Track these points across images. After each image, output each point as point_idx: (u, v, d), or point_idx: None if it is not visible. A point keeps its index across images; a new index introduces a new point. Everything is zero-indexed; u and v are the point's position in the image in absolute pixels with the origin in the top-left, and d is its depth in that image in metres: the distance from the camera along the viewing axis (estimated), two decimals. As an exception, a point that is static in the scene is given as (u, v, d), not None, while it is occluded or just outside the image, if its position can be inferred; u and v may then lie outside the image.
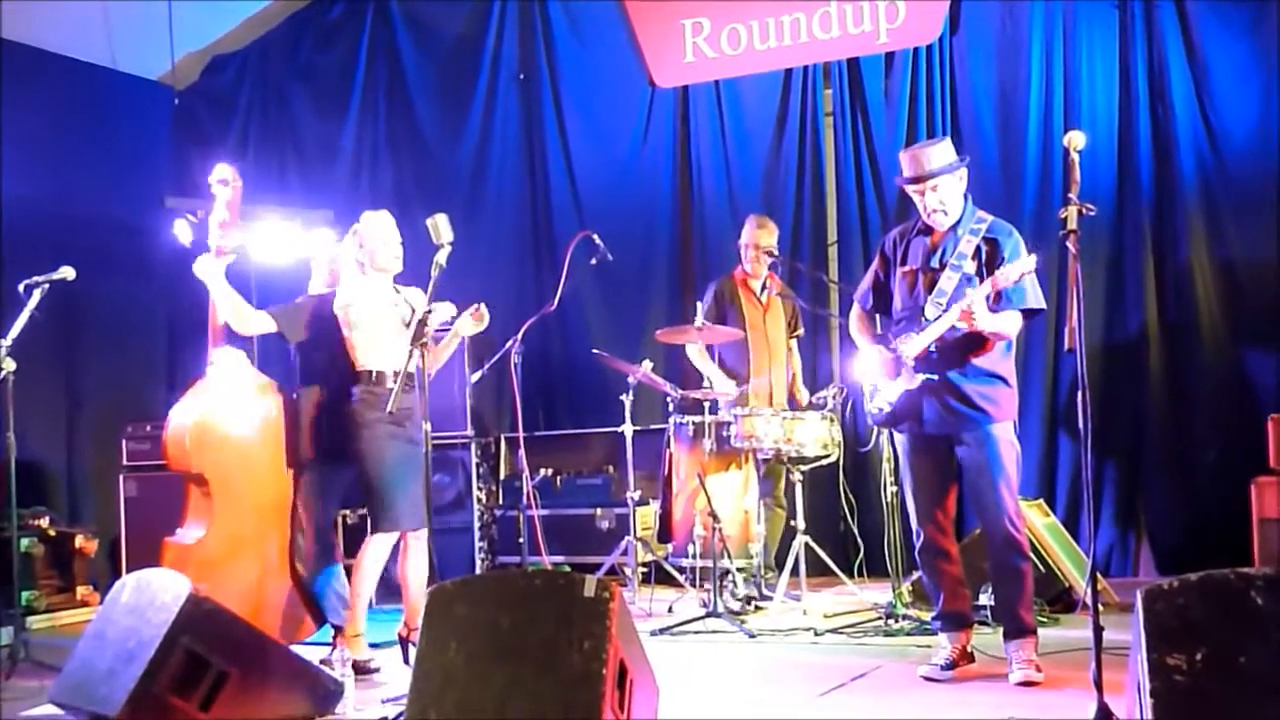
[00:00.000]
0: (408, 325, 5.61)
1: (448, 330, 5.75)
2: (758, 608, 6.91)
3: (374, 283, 5.74)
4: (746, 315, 7.39)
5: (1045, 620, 5.95)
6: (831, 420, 7.00)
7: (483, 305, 5.65)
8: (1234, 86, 7.55)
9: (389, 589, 6.10)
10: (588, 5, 9.48)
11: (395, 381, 5.46)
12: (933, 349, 4.98)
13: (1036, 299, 5.01)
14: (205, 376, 5.82)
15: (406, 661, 5.61)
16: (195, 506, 5.72)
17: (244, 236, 6.08)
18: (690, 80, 9.12)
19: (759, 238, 7.35)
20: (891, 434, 5.58)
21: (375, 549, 5.58)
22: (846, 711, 4.64)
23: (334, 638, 5.72)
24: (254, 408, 5.80)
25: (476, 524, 8.14)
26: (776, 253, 7.38)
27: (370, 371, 5.62)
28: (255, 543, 5.71)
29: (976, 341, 4.96)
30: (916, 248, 5.19)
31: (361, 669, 5.45)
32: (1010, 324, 4.96)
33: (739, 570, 7.00)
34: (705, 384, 7.38)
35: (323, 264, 6.19)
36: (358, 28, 10.17)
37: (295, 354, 5.99)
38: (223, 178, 5.80)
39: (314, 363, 5.89)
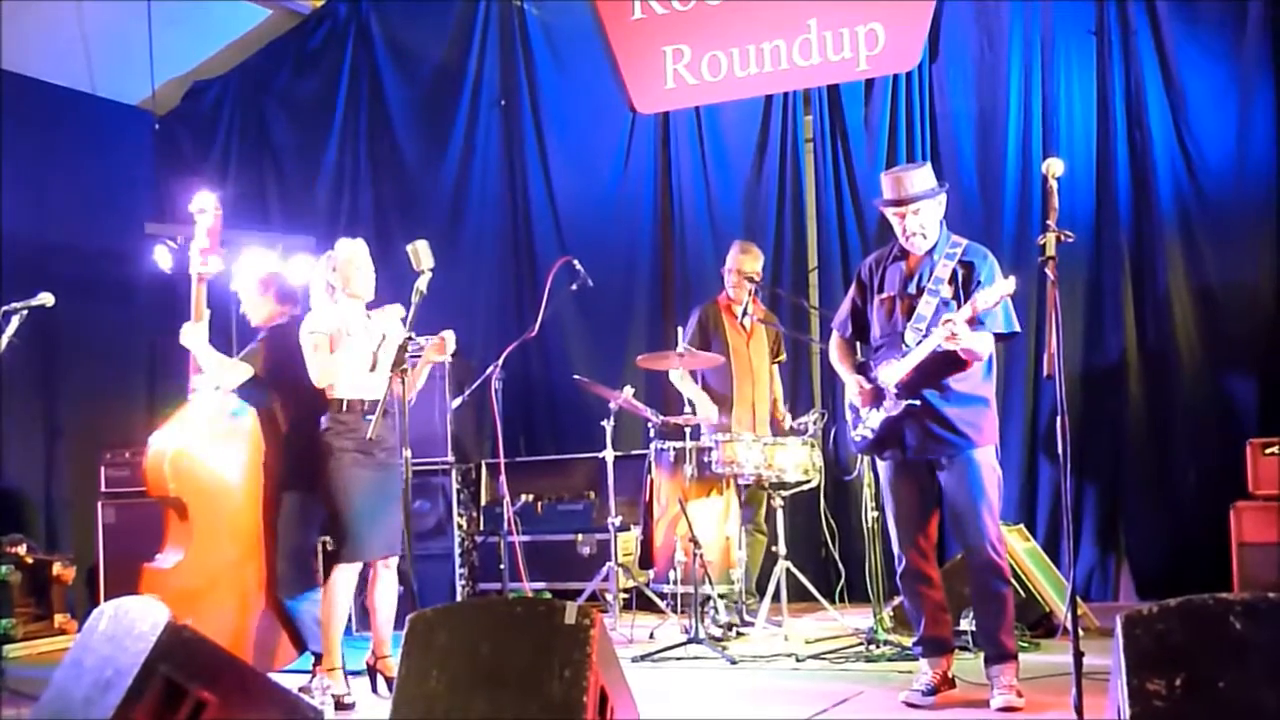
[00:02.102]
0: (376, 353, 5.60)
1: (419, 356, 5.76)
2: (739, 634, 6.90)
3: (345, 309, 5.68)
4: (730, 342, 7.39)
5: (1026, 645, 5.94)
6: (812, 445, 7.01)
7: (448, 335, 5.61)
8: (1211, 113, 7.60)
9: (367, 615, 6.07)
10: (569, 32, 9.51)
11: (365, 409, 5.50)
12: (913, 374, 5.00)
13: (1009, 324, 5.03)
14: (187, 403, 5.82)
15: (374, 690, 5.59)
16: (174, 532, 5.70)
17: (223, 263, 6.09)
18: (671, 106, 9.15)
19: (743, 264, 7.35)
20: (873, 459, 5.59)
21: (341, 580, 5.52)
22: (828, 738, 4.64)
23: (313, 665, 5.69)
24: (234, 434, 5.79)
25: (457, 550, 8.12)
26: (760, 278, 7.39)
27: (339, 400, 5.58)
28: (233, 569, 5.69)
29: (956, 364, 4.97)
30: (893, 274, 5.21)
31: (338, 704, 5.41)
32: (985, 344, 4.98)
33: (720, 596, 6.99)
34: (687, 408, 7.38)
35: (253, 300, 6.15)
36: (339, 53, 10.18)
37: (267, 384, 5.98)
38: (202, 205, 5.84)
39: (280, 392, 5.88)
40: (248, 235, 8.26)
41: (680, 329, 7.36)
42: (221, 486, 5.70)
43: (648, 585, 7.47)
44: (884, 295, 5.21)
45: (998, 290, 4.81)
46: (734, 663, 6.12)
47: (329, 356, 5.54)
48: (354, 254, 5.74)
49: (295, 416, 5.77)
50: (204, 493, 5.65)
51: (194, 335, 5.72)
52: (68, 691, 4.04)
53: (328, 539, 5.88)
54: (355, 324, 5.66)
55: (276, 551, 5.79)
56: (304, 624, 5.76)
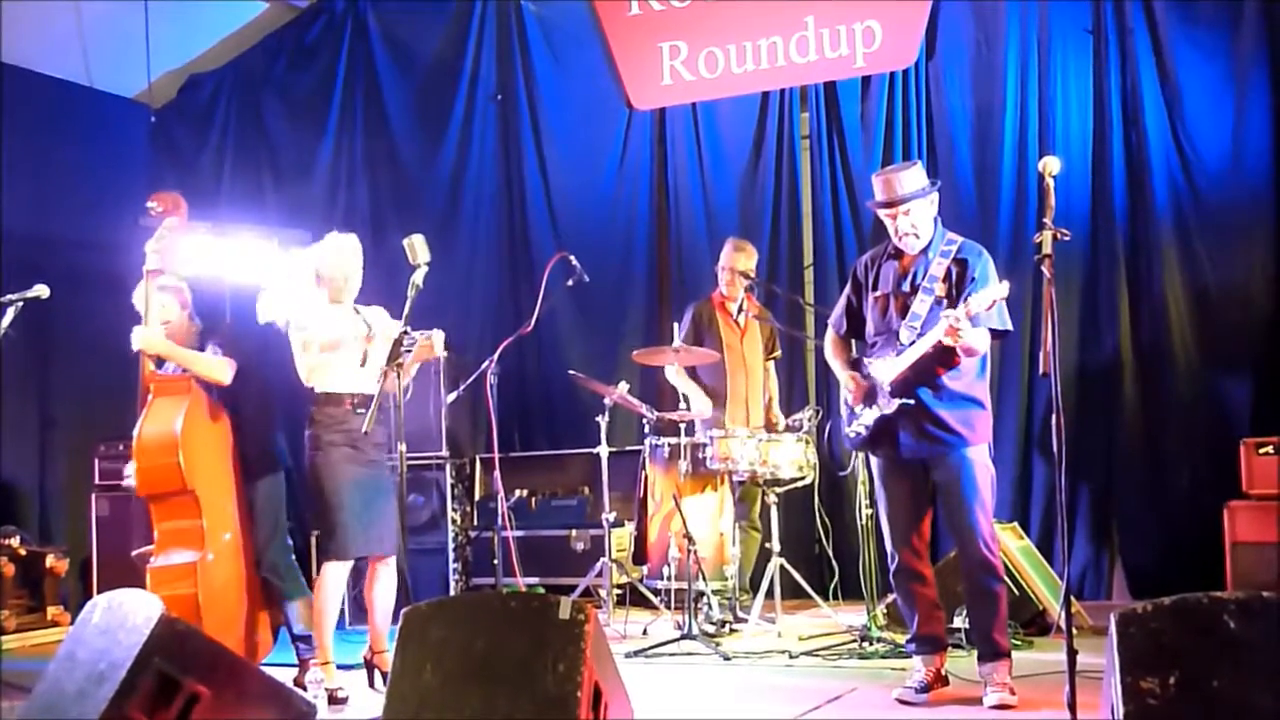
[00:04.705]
0: (366, 349, 5.57)
1: (410, 351, 5.73)
2: (732, 630, 6.90)
3: (333, 306, 5.63)
4: (724, 338, 7.38)
5: (1019, 643, 5.96)
6: (807, 442, 7.01)
7: (437, 334, 5.52)
8: (1207, 112, 7.61)
9: (363, 610, 6.07)
10: (565, 26, 9.50)
11: (355, 403, 5.46)
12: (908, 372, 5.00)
13: (1003, 321, 5.03)
14: (149, 404, 5.75)
15: (372, 685, 5.58)
16: (177, 530, 5.60)
17: (178, 262, 6.04)
18: (667, 103, 9.14)
19: (736, 261, 7.35)
20: (867, 456, 5.59)
21: (328, 579, 5.47)
22: (821, 734, 4.64)
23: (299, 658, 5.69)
24: (211, 426, 5.77)
25: (451, 545, 8.12)
26: (753, 275, 7.39)
27: (323, 394, 5.52)
28: (233, 558, 5.68)
29: (950, 362, 4.97)
30: (887, 272, 5.21)
31: (331, 698, 5.40)
32: (982, 340, 4.98)
33: (714, 592, 6.99)
34: (682, 403, 7.39)
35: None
36: (335, 47, 10.17)
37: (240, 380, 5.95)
38: (159, 205, 5.84)
39: (252, 384, 5.84)
40: (242, 227, 8.24)
41: (676, 325, 7.37)
42: (217, 476, 5.69)
43: (641, 581, 7.48)
44: (878, 293, 5.21)
45: (991, 294, 4.80)
46: (727, 659, 6.12)
47: (317, 355, 5.50)
48: (344, 254, 5.64)
49: (264, 408, 5.77)
50: (209, 482, 5.62)
51: (154, 337, 5.65)
52: (61, 684, 4.03)
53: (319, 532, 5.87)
54: (344, 321, 5.61)
55: (256, 538, 5.78)
56: (292, 609, 5.75)
